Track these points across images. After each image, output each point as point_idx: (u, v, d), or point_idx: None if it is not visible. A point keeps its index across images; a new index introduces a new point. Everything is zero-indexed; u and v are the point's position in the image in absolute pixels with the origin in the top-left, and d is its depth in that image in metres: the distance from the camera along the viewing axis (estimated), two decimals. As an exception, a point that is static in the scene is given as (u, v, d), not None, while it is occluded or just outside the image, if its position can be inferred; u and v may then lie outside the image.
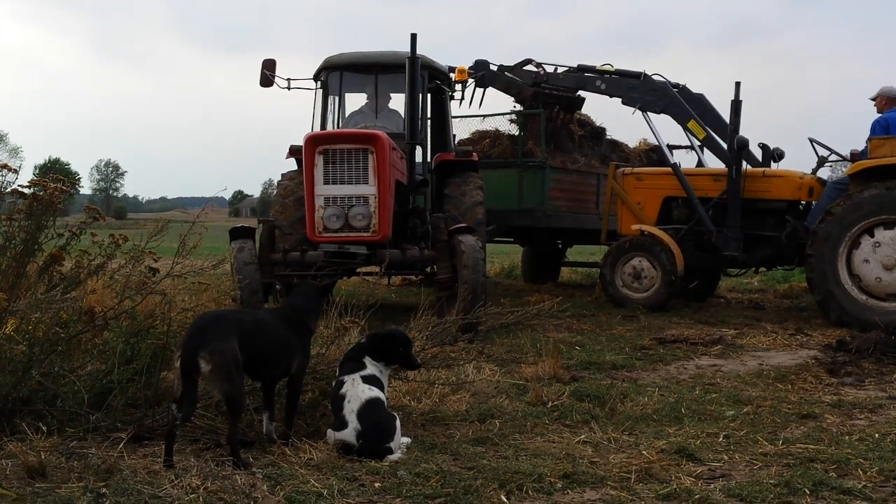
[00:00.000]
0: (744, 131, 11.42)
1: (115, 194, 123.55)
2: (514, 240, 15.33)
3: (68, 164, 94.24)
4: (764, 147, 12.01)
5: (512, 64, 13.26)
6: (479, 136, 13.67)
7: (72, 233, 6.02)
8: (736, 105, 11.39)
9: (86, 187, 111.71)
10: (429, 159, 10.49)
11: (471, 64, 11.54)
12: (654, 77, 12.19)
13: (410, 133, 9.00)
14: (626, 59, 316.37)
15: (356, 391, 4.53)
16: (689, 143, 15.59)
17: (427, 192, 10.22)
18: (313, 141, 8.48)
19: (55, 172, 8.29)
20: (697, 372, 7.16)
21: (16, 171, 6.05)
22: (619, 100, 12.33)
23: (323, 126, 10.28)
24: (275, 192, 10.56)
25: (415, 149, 9.34)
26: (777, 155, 11.99)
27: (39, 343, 4.83)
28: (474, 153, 11.10)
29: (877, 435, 4.97)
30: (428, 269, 9.28)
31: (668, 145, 15.57)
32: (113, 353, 4.97)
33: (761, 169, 11.78)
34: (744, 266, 12.06)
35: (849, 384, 6.67)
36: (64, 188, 5.94)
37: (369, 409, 4.45)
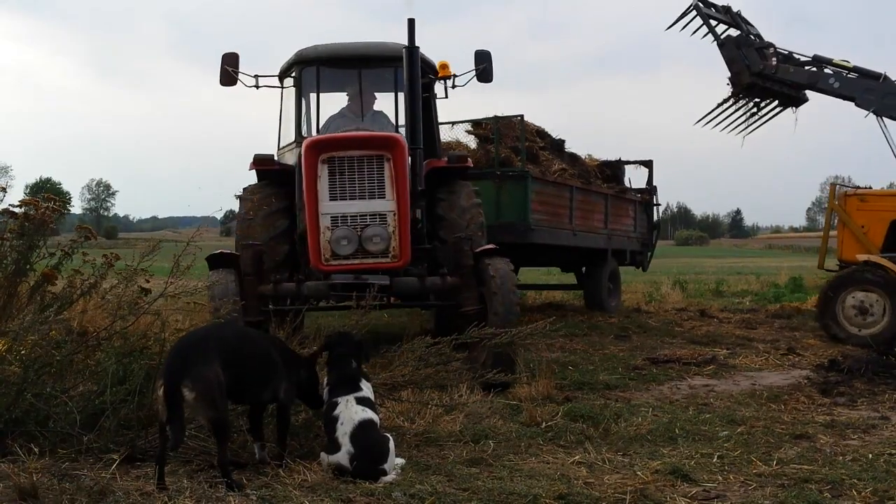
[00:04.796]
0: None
1: (105, 214, 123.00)
2: None
3: (59, 184, 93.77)
4: None
5: (754, 40, 12.53)
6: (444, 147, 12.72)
7: (64, 252, 6.00)
8: None
9: (77, 207, 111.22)
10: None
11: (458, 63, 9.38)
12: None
13: (412, 137, 7.47)
14: (625, 78, 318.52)
15: (349, 413, 4.51)
16: (640, 159, 15.20)
17: (423, 206, 8.47)
18: (316, 147, 7.06)
19: (46, 192, 8.24)
20: (691, 392, 7.17)
21: (3, 190, 6.04)
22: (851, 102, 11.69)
23: (298, 134, 8.56)
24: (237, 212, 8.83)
25: (416, 155, 7.62)
26: None
27: (32, 364, 4.81)
28: (469, 158, 9.40)
29: (870, 455, 4.99)
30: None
31: (623, 160, 14.91)
32: (105, 373, 4.95)
33: None
34: None
35: (841, 404, 6.69)
36: (56, 208, 5.93)
37: (362, 432, 4.44)
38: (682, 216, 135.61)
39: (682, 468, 4.57)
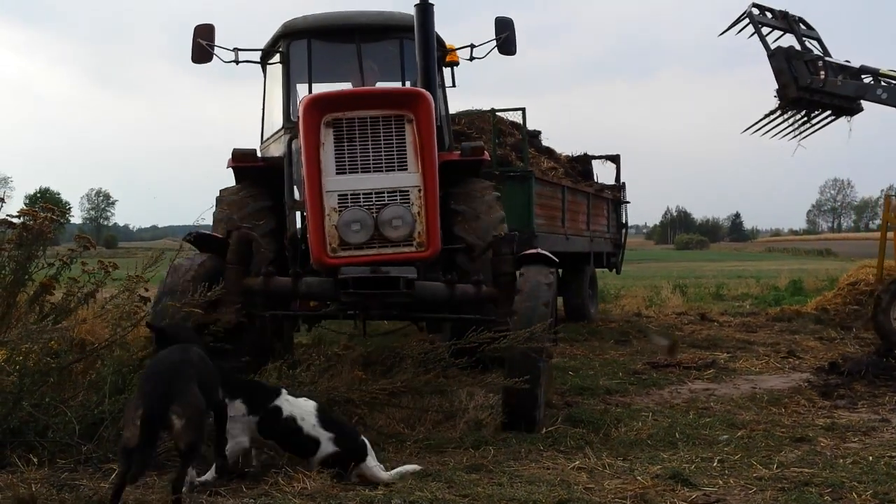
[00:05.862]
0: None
1: (105, 223, 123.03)
2: None
3: (58, 194, 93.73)
4: None
5: (803, 52, 12.06)
6: None
7: (62, 262, 5.99)
8: None
9: (76, 217, 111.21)
10: None
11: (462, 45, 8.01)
12: None
13: None
14: (623, 83, 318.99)
15: (300, 408, 4.43)
16: (607, 154, 14.58)
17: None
18: (318, 105, 5.70)
19: (45, 202, 8.13)
20: (691, 396, 7.16)
21: (2, 200, 6.03)
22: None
23: (287, 119, 7.30)
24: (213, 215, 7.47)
25: None
26: None
27: (30, 374, 4.81)
28: (485, 150, 7.96)
29: (870, 458, 4.98)
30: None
31: (591, 155, 14.51)
32: (104, 383, 4.95)
33: None
34: None
35: (842, 407, 6.68)
36: (54, 217, 5.92)
37: (325, 414, 4.46)
38: (682, 220, 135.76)
39: (683, 472, 4.56)
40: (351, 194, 5.62)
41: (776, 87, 12.46)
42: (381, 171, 5.65)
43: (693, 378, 8.07)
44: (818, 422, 6.09)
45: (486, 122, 11.69)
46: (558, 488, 4.26)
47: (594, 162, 14.58)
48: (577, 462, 4.86)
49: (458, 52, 7.81)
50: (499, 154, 11.08)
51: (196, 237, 6.07)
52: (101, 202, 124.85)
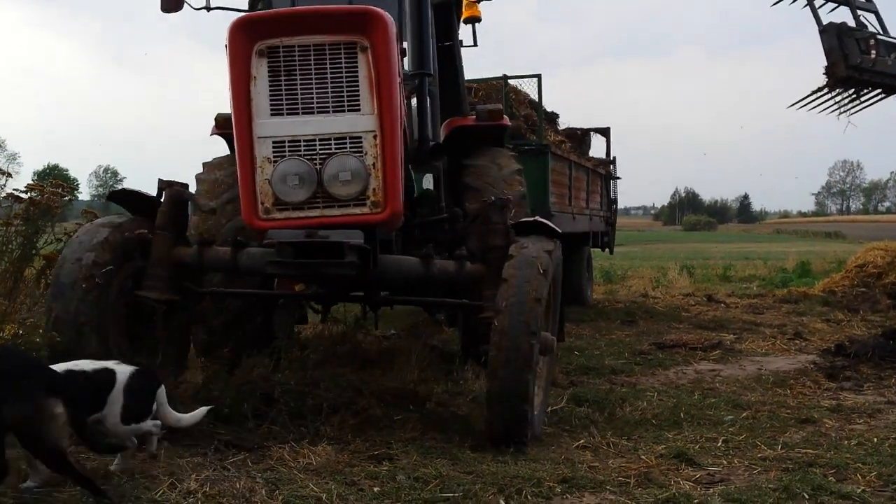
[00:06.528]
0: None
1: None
2: None
3: (66, 171, 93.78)
4: None
5: (855, 29, 11.77)
6: None
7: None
8: None
9: (84, 193, 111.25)
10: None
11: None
12: None
13: (419, 58, 5.26)
14: (636, 62, 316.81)
15: (64, 365, 3.94)
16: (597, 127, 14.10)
17: (440, 170, 6.03)
18: (246, 29, 4.62)
19: (54, 178, 8.16)
20: (696, 377, 7.16)
21: (9, 175, 6.04)
22: None
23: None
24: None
25: (424, 85, 5.36)
26: None
27: (37, 348, 4.83)
28: (504, 115, 6.99)
29: (875, 439, 4.98)
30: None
31: (586, 129, 14.13)
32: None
33: None
34: None
35: (847, 389, 6.67)
36: (61, 193, 5.94)
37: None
38: (691, 201, 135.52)
39: (687, 452, 4.57)
40: (289, 141, 4.60)
41: (825, 63, 12.30)
42: (328, 112, 4.60)
43: (699, 359, 8.07)
44: (823, 403, 6.09)
45: (496, 91, 11.13)
46: (562, 466, 4.28)
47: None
48: (582, 441, 4.87)
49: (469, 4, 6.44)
50: (511, 125, 10.34)
51: (121, 195, 5.19)
52: (110, 179, 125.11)
